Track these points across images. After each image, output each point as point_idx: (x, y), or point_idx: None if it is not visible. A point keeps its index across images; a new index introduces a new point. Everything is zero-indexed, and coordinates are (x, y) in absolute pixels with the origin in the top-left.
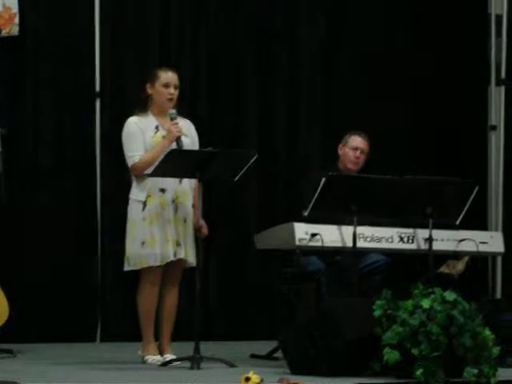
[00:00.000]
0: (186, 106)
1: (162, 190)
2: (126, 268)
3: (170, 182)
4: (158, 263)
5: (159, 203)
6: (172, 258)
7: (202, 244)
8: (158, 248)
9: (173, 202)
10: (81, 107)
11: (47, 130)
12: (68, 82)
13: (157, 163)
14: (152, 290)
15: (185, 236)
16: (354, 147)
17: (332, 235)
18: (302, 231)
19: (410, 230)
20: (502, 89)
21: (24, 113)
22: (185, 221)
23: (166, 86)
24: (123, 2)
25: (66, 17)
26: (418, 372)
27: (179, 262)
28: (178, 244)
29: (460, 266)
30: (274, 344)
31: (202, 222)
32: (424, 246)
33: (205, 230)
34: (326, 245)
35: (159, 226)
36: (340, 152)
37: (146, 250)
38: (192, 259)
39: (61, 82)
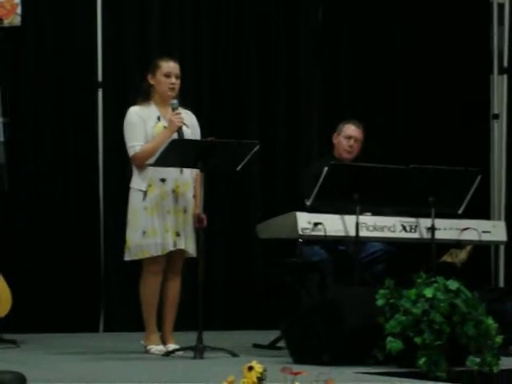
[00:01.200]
0: (187, 98)
1: (162, 180)
2: (127, 258)
3: (170, 172)
4: (158, 253)
5: (159, 193)
6: (172, 248)
7: (203, 234)
8: (158, 238)
9: (173, 192)
10: (83, 97)
11: (49, 120)
12: (70, 72)
13: (159, 153)
14: (154, 279)
15: (184, 226)
16: (347, 136)
17: (335, 224)
18: (304, 221)
19: (412, 219)
20: (505, 77)
21: (26, 103)
22: (185, 211)
23: (167, 75)
24: None
25: (68, 7)
26: (421, 361)
27: (180, 252)
28: (177, 234)
29: (463, 255)
30: (276, 334)
31: (203, 215)
32: (426, 235)
33: (204, 222)
34: (328, 234)
35: (159, 215)
36: (334, 141)
37: (147, 239)
38: (192, 249)
39: (63, 72)
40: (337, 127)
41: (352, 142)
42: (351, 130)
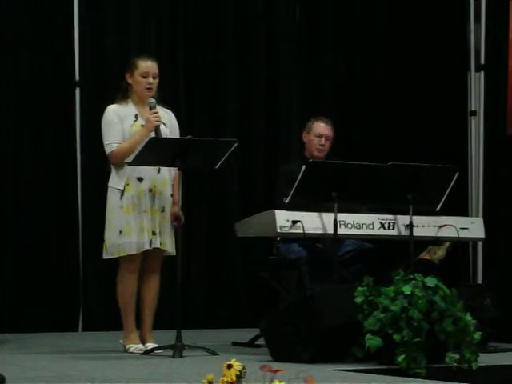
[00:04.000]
0: (166, 96)
1: (139, 179)
2: (105, 256)
3: (147, 171)
4: (133, 252)
5: (136, 192)
6: (147, 247)
7: (182, 233)
8: (134, 237)
9: (150, 191)
10: (60, 96)
11: (27, 119)
12: (47, 71)
13: (137, 152)
14: (131, 278)
15: (162, 225)
16: (318, 134)
17: (313, 222)
18: (283, 218)
19: (390, 217)
20: (482, 74)
21: (3, 102)
22: (163, 210)
23: (145, 75)
24: None
25: (46, 5)
26: (400, 358)
27: (157, 251)
28: (153, 233)
29: (441, 251)
30: (255, 332)
31: (180, 214)
32: (405, 233)
33: (181, 220)
34: (307, 232)
35: (136, 214)
36: (305, 139)
37: (123, 238)
38: (170, 247)
39: (40, 71)
40: (305, 125)
41: (323, 140)
42: (321, 128)
